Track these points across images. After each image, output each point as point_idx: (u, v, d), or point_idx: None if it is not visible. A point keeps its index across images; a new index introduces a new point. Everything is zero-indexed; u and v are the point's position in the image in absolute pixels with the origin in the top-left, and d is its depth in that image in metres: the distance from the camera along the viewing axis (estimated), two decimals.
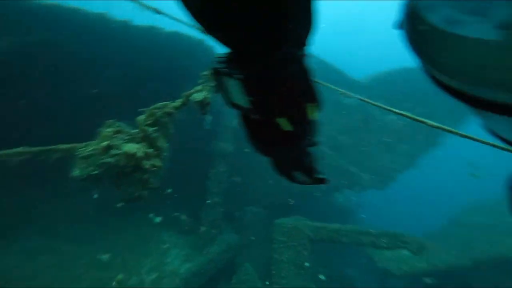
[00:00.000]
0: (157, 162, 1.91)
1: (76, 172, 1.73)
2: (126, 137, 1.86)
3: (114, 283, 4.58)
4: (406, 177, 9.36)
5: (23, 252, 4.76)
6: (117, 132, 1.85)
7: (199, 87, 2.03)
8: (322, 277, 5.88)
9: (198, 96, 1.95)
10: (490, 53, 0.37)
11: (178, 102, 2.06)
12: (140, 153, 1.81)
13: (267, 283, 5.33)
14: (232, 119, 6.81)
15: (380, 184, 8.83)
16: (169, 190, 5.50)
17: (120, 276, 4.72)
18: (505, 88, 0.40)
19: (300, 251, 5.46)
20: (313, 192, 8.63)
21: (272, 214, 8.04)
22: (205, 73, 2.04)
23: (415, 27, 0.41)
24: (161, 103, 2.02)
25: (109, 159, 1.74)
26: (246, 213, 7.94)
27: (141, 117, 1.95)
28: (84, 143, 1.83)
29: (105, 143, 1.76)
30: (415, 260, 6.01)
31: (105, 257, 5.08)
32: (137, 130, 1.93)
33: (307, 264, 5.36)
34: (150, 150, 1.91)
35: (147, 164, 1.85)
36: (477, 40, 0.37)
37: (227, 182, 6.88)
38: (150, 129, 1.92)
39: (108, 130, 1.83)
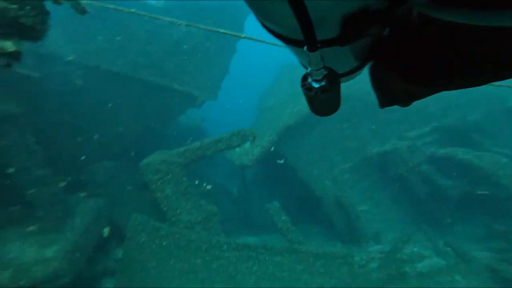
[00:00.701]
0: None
1: None
2: None
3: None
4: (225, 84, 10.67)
5: None
6: None
7: None
8: (208, 186, 6.52)
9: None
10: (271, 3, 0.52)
11: None
12: None
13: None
14: None
15: (212, 95, 9.60)
16: None
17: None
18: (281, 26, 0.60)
19: (179, 179, 5.55)
20: (152, 125, 8.19)
21: (121, 164, 7.13)
22: None
23: None
24: None
25: None
26: (96, 172, 6.51)
27: None
28: None
29: None
30: (254, 146, 7.83)
31: None
32: None
33: (190, 188, 5.63)
34: None
35: None
36: None
37: (54, 149, 5.06)
38: None
39: None
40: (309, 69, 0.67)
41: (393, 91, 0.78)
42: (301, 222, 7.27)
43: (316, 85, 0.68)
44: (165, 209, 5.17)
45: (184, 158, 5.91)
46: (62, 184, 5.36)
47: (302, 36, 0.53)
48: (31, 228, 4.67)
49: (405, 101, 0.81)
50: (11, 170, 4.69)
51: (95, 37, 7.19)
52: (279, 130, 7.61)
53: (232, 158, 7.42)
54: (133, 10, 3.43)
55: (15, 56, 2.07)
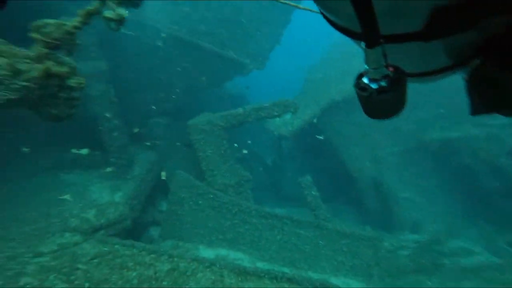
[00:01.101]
0: (81, 79, 1.77)
1: None
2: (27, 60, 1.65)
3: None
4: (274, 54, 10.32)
5: None
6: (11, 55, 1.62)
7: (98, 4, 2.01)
8: (245, 151, 6.76)
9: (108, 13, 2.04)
10: None
11: (76, 21, 1.93)
12: (64, 70, 1.71)
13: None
14: None
15: (260, 64, 9.46)
16: None
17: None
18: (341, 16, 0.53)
19: (219, 142, 5.83)
20: (200, 88, 8.51)
21: (176, 120, 7.74)
22: None
23: None
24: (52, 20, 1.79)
25: (24, 83, 1.55)
26: (153, 126, 7.26)
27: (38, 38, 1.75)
28: None
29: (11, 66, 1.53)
30: (295, 118, 7.61)
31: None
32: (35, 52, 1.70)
33: (229, 151, 5.91)
34: (65, 69, 1.76)
35: (72, 82, 1.71)
36: None
37: (117, 103, 5.70)
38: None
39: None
40: (366, 66, 0.57)
41: (509, 93, 0.60)
42: (332, 201, 7.10)
43: (373, 85, 0.58)
44: (204, 168, 5.56)
45: (226, 122, 6.09)
46: (134, 131, 6.19)
47: (360, 29, 0.46)
48: (108, 169, 5.55)
49: None
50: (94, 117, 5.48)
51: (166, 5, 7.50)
52: (323, 104, 7.16)
53: (271, 128, 7.38)
54: None
55: (123, 21, 2.37)
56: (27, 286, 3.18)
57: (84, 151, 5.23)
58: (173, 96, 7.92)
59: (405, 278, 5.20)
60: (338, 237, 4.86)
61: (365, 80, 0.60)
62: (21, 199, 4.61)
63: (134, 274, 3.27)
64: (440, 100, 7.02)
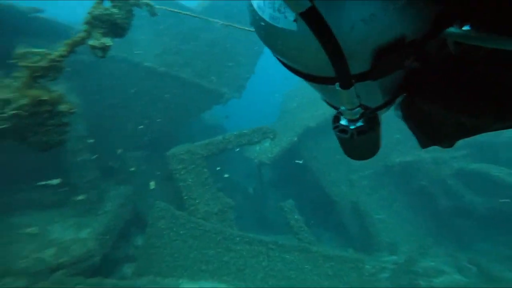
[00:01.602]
0: (70, 104, 1.87)
1: None
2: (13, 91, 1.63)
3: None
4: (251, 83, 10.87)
5: None
6: None
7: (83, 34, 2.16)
8: (226, 175, 6.69)
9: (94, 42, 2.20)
10: (292, 39, 0.49)
11: (61, 51, 2.00)
12: (53, 97, 1.74)
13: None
14: None
15: (237, 93, 9.83)
16: None
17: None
18: (303, 63, 0.54)
19: (200, 170, 5.81)
20: (179, 119, 8.56)
21: (151, 152, 7.57)
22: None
23: (257, 22, 0.54)
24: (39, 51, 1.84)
25: (14, 111, 1.57)
26: (128, 161, 7.00)
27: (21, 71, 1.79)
28: None
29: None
30: (273, 145, 7.87)
31: None
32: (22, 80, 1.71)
33: (210, 179, 5.87)
34: (55, 95, 1.81)
35: (64, 107, 1.77)
36: (282, 29, 0.49)
37: (91, 137, 5.53)
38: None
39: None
40: (342, 108, 0.57)
41: (439, 125, 0.66)
42: (314, 226, 7.19)
43: (352, 126, 0.59)
44: (185, 197, 5.44)
45: (207, 151, 6.16)
46: (109, 164, 5.88)
47: (335, 72, 0.47)
48: (70, 211, 5.11)
49: (453, 137, 0.69)
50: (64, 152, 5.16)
51: (139, 36, 7.70)
52: (299, 131, 7.59)
53: (251, 156, 7.54)
54: (176, 10, 3.71)
55: (107, 49, 2.42)
56: None
57: (55, 181, 4.85)
58: (151, 128, 7.85)
59: None
60: (322, 260, 4.90)
61: (343, 122, 0.61)
62: None
63: None
64: (397, 126, 7.80)
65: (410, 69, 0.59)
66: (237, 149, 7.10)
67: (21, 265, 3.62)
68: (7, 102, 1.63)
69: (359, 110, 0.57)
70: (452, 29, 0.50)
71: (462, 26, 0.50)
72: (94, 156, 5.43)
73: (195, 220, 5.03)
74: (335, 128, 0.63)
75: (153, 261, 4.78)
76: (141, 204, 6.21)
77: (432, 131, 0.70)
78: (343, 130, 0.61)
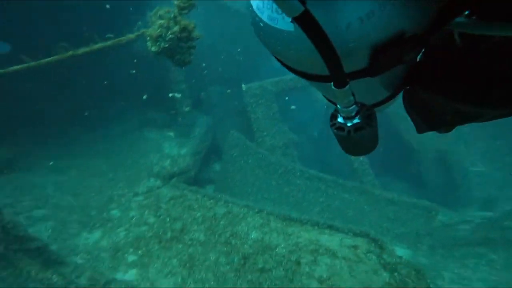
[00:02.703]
0: (198, 33, 2.40)
1: (153, 49, 2.31)
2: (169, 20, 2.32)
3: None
4: None
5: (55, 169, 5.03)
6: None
7: None
8: (293, 107, 6.84)
9: None
10: (290, 39, 0.49)
11: None
12: (191, 26, 2.34)
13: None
14: None
15: None
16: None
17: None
18: (300, 62, 0.54)
19: (269, 105, 6.10)
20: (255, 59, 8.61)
21: (230, 87, 8.20)
22: None
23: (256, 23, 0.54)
24: None
25: (171, 35, 2.24)
26: (211, 93, 7.93)
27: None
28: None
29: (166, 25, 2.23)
30: None
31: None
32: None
33: (277, 114, 6.12)
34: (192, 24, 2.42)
35: (195, 34, 2.36)
36: (280, 30, 0.49)
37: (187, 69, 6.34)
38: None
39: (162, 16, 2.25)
40: (338, 106, 0.59)
41: (439, 113, 0.68)
42: (384, 175, 6.71)
43: (349, 123, 0.60)
44: (255, 129, 5.97)
45: (277, 87, 6.30)
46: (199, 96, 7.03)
47: (328, 71, 0.47)
48: (175, 129, 6.52)
49: (452, 124, 0.71)
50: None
51: None
52: None
53: (319, 98, 7.14)
54: None
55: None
56: (133, 219, 4.29)
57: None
58: (227, 66, 8.37)
59: (462, 250, 4.77)
60: (385, 203, 4.78)
61: (340, 120, 0.62)
62: (121, 150, 5.92)
63: (199, 214, 4.07)
64: None
65: (413, 61, 0.59)
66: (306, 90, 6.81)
67: (155, 169, 5.13)
68: (167, 28, 2.24)
69: (354, 107, 0.57)
70: (458, 19, 0.49)
71: (469, 17, 0.49)
72: (179, 95, 6.32)
73: (261, 152, 5.57)
74: (332, 125, 0.63)
75: (228, 184, 5.79)
76: (219, 134, 7.21)
77: (432, 119, 0.72)
78: (340, 127, 0.62)
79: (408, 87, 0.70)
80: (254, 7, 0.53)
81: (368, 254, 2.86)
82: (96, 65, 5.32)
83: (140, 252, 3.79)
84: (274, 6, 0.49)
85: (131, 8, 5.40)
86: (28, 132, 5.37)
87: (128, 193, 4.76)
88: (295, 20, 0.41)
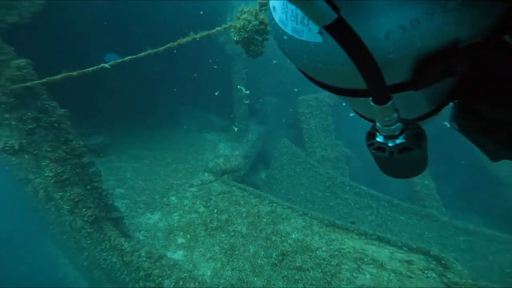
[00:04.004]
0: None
1: (235, 38, 2.47)
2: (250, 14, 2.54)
3: None
4: None
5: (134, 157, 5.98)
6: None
7: None
8: (351, 114, 6.52)
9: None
10: (318, 51, 0.44)
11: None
12: (267, 21, 2.46)
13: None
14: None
15: None
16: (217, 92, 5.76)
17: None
18: (330, 75, 0.48)
19: (324, 117, 6.01)
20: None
21: (284, 99, 8.42)
22: None
23: (280, 36, 0.50)
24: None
25: (251, 27, 2.44)
26: (265, 103, 8.30)
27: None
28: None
29: (249, 18, 2.44)
30: None
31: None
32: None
33: (332, 126, 5.97)
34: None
35: (268, 28, 2.50)
36: (306, 42, 0.45)
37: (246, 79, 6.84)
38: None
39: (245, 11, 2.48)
40: (378, 124, 0.50)
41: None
42: (456, 207, 5.62)
43: (390, 143, 0.51)
44: (306, 139, 5.92)
45: (334, 99, 6.20)
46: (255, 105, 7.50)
47: (367, 85, 0.41)
48: (232, 132, 6.98)
49: None
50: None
51: None
52: None
53: None
54: None
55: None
56: (186, 207, 4.73)
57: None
58: (283, 81, 8.60)
59: None
60: (454, 232, 4.01)
61: (379, 139, 0.53)
62: (184, 147, 6.69)
63: (244, 209, 4.20)
64: None
65: (464, 73, 0.48)
66: None
67: (209, 165, 5.63)
68: (248, 21, 2.50)
69: (399, 125, 0.49)
70: None
71: None
72: (247, 91, 6.76)
73: (311, 161, 5.46)
74: (369, 145, 0.55)
75: (272, 191, 5.82)
76: (269, 143, 7.38)
77: (508, 139, 0.56)
78: (380, 147, 0.53)
79: (458, 102, 0.59)
80: (277, 20, 0.50)
81: (426, 272, 2.43)
82: (184, 59, 6.18)
83: (188, 236, 4.11)
84: (299, 17, 0.45)
85: (219, 18, 6.15)
86: (118, 124, 6.59)
87: (185, 184, 5.27)
88: (327, 29, 0.36)
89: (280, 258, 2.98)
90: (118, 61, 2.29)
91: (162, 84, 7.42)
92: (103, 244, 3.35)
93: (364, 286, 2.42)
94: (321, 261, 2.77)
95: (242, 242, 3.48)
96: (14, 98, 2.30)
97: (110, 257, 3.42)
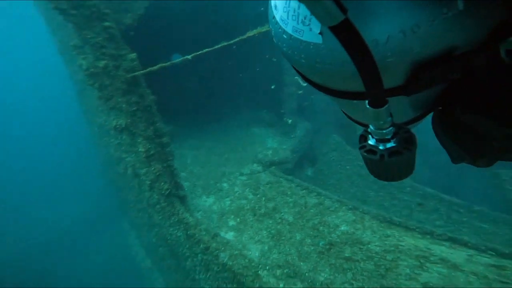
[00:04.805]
0: None
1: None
2: None
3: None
4: None
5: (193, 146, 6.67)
6: None
7: None
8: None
9: None
10: (317, 52, 0.45)
11: None
12: None
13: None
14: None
15: None
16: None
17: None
18: (327, 76, 0.48)
19: None
20: None
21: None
22: None
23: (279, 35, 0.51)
24: None
25: None
26: (314, 101, 8.16)
27: None
28: None
29: None
30: None
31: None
32: None
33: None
34: None
35: None
36: (306, 42, 0.46)
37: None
38: None
39: None
40: (371, 127, 0.51)
41: (483, 139, 0.54)
42: None
43: (381, 146, 0.52)
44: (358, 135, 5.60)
45: None
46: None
47: (366, 89, 0.41)
48: (281, 127, 7.12)
49: (498, 152, 0.55)
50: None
51: None
52: None
53: None
54: None
55: None
56: (237, 193, 5.03)
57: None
58: None
59: None
60: None
61: (371, 142, 0.54)
62: (235, 139, 7.10)
63: (291, 199, 4.27)
64: None
65: (453, 80, 0.49)
66: None
67: (258, 156, 5.89)
68: None
69: (391, 129, 0.50)
70: None
71: None
72: (300, 91, 6.79)
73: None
74: (361, 148, 0.56)
75: (318, 187, 5.64)
76: (317, 140, 7.20)
77: (473, 146, 0.57)
78: (371, 150, 0.54)
79: (440, 108, 0.58)
80: (278, 18, 0.50)
81: None
82: (238, 56, 6.52)
83: (238, 219, 4.38)
84: (300, 17, 0.45)
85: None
86: (182, 117, 7.37)
87: (236, 172, 5.61)
88: (332, 29, 0.35)
89: (327, 247, 2.95)
90: (198, 52, 2.59)
91: (218, 81, 7.98)
92: (172, 218, 3.84)
93: (431, 284, 2.18)
94: (374, 254, 2.62)
95: (289, 229, 3.56)
96: (126, 85, 2.87)
97: (176, 231, 3.91)
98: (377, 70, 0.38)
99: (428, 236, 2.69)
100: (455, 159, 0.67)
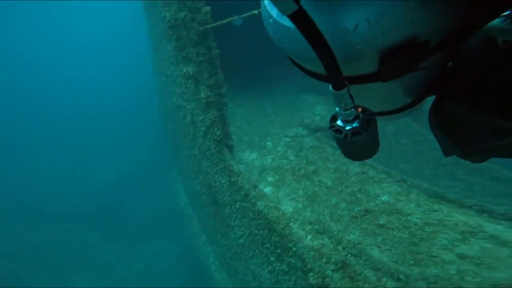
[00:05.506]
0: None
1: None
2: None
3: None
4: None
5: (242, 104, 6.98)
6: None
7: None
8: None
9: None
10: (296, 37, 0.47)
11: None
12: None
13: None
14: None
15: None
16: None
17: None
18: (304, 59, 0.54)
19: None
20: None
21: None
22: None
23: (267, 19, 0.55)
24: None
25: None
26: None
27: None
28: None
29: None
30: None
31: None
32: None
33: None
34: None
35: None
36: (287, 27, 0.49)
37: None
38: None
39: None
40: (337, 109, 0.57)
41: (472, 130, 0.54)
42: None
43: (347, 127, 0.57)
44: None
45: None
46: None
47: (325, 72, 0.45)
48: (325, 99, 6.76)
49: (489, 148, 0.54)
50: None
51: None
52: None
53: None
54: None
55: None
56: (279, 153, 5.15)
57: None
58: None
59: None
60: None
61: (339, 122, 0.58)
62: (283, 102, 7.04)
63: (332, 165, 4.19)
64: None
65: (439, 68, 0.53)
66: None
67: (305, 120, 5.77)
68: None
69: (353, 111, 0.54)
70: (498, 24, 0.43)
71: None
72: None
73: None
74: (331, 127, 0.61)
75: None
76: None
77: (462, 138, 0.58)
78: (338, 130, 0.59)
79: (435, 98, 0.61)
80: (265, 3, 0.54)
81: None
82: None
83: (277, 177, 4.58)
84: None
85: None
86: (235, 76, 7.55)
87: (280, 133, 5.69)
88: (290, 18, 0.39)
89: (362, 213, 2.90)
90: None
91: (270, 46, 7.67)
92: (219, 165, 4.25)
93: (465, 255, 2.01)
94: (412, 225, 2.47)
95: (325, 193, 3.58)
96: (197, 37, 3.13)
97: (220, 178, 4.34)
98: (333, 55, 0.41)
99: (486, 215, 2.36)
100: (446, 152, 0.68)
